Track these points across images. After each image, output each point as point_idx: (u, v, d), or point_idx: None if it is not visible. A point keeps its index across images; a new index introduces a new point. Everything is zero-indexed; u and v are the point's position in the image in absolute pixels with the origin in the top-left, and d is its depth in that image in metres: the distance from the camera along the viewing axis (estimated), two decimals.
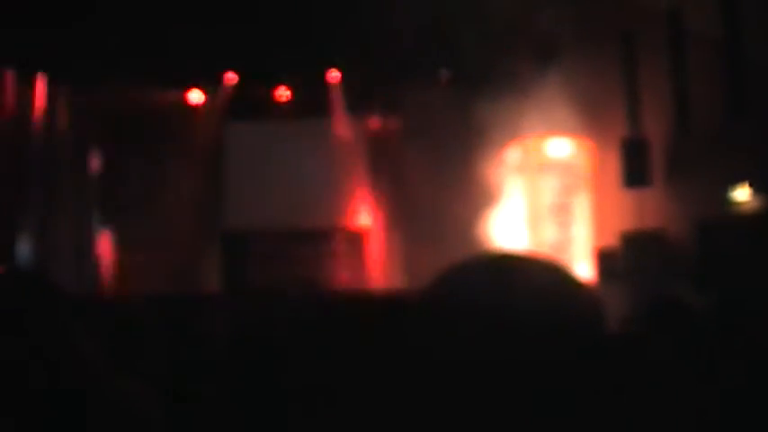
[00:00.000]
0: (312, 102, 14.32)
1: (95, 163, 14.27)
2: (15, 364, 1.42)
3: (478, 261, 0.86)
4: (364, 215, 15.00)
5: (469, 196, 11.61)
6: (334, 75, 14.23)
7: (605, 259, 10.82)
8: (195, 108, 14.64)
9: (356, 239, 15.03)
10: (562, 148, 11.48)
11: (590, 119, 11.12)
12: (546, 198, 11.66)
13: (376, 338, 2.66)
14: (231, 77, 14.40)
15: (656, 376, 1.90)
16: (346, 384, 2.57)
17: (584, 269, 11.59)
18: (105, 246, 14.37)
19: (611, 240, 10.88)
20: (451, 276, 0.85)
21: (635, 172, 9.99)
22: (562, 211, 11.83)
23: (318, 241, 14.76)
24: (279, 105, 14.65)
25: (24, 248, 11.73)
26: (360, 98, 14.08)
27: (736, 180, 8.60)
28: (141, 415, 1.53)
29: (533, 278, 0.83)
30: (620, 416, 0.87)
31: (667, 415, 1.87)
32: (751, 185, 8.49)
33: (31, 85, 12.20)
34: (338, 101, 14.41)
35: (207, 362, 3.27)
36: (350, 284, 14.29)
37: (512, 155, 11.53)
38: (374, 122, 14.72)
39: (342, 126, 15.17)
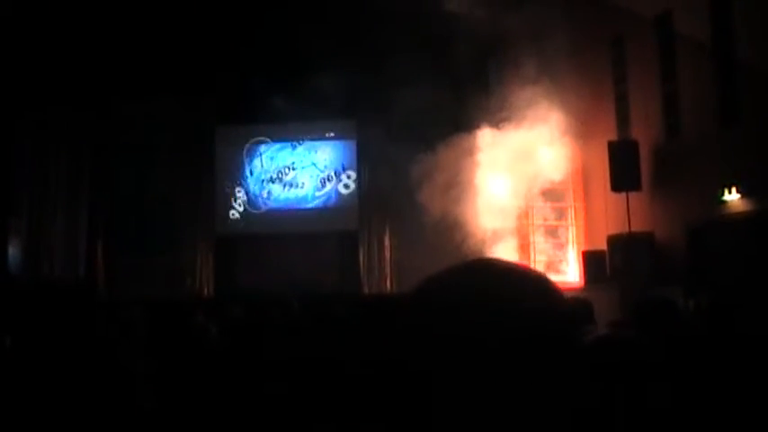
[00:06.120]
0: (302, 104, 14.32)
1: (87, 168, 14.26)
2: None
3: (457, 269, 0.90)
4: (357, 218, 15.00)
5: (459, 199, 11.60)
6: (322, 78, 14.22)
7: (593, 262, 10.85)
8: (188, 113, 14.60)
9: (347, 243, 15.02)
10: (552, 151, 11.50)
11: (580, 123, 11.15)
12: (535, 202, 11.70)
13: (366, 340, 2.69)
14: (223, 82, 14.39)
15: (645, 378, 1.93)
16: (337, 385, 2.60)
17: (572, 272, 11.63)
18: (97, 249, 14.34)
19: (600, 243, 10.92)
20: (429, 284, 0.89)
21: (624, 175, 10.01)
22: (551, 215, 11.87)
23: (310, 245, 14.74)
24: (271, 109, 14.61)
25: (15, 250, 11.69)
26: (349, 99, 14.07)
27: (725, 183, 8.64)
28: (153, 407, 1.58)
29: (510, 287, 0.86)
30: (607, 418, 0.90)
31: (655, 416, 1.91)
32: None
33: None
34: (328, 103, 14.39)
35: (201, 363, 3.30)
36: (341, 287, 14.28)
37: (501, 158, 11.52)
38: (363, 123, 14.68)
39: (333, 128, 15.20)
